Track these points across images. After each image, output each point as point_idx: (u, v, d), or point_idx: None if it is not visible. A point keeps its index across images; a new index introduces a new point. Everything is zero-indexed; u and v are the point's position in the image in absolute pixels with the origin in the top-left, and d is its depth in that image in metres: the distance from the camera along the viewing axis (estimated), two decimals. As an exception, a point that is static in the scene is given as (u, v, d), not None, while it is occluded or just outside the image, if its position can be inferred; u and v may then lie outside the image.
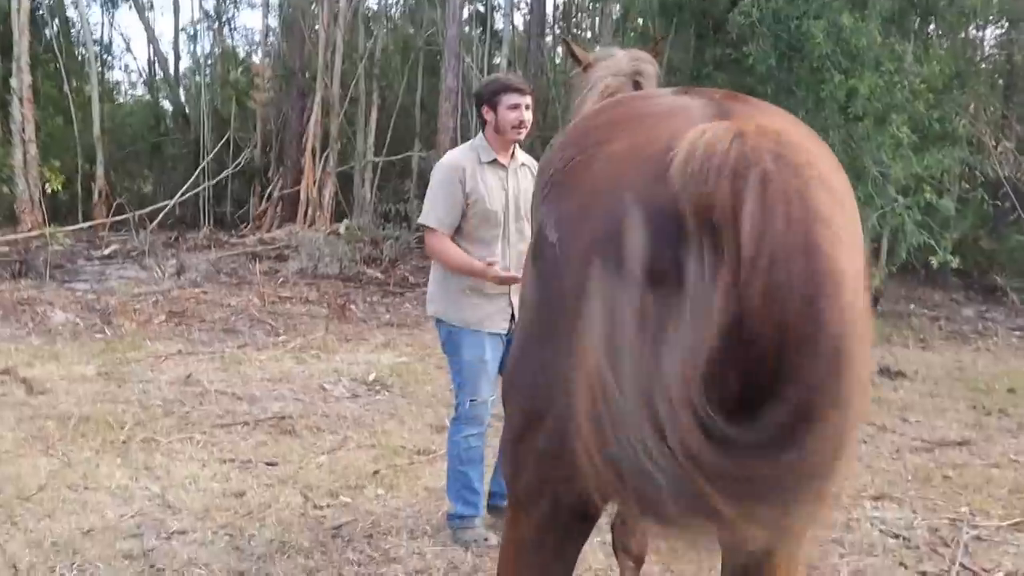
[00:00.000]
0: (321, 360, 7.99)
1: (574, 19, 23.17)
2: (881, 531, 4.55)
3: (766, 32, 11.57)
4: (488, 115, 4.06)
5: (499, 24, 19.56)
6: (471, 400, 4.07)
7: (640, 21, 14.53)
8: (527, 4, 20.32)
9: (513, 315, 4.00)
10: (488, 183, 3.99)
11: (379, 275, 14.19)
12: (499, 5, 19.68)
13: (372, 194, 18.43)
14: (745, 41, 14.10)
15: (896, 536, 4.48)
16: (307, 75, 18.62)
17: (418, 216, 4.33)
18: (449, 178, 4.00)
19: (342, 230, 16.52)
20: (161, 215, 17.37)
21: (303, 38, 18.42)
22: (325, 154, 17.58)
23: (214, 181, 19.28)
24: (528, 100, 4.01)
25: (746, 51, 11.72)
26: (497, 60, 17.92)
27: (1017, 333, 12.18)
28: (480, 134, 4.16)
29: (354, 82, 18.35)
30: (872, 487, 5.13)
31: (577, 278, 1.53)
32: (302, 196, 17.56)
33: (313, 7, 18.70)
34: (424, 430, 6.07)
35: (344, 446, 5.66)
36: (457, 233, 4.04)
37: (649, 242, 1.40)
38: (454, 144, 16.24)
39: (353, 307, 11.38)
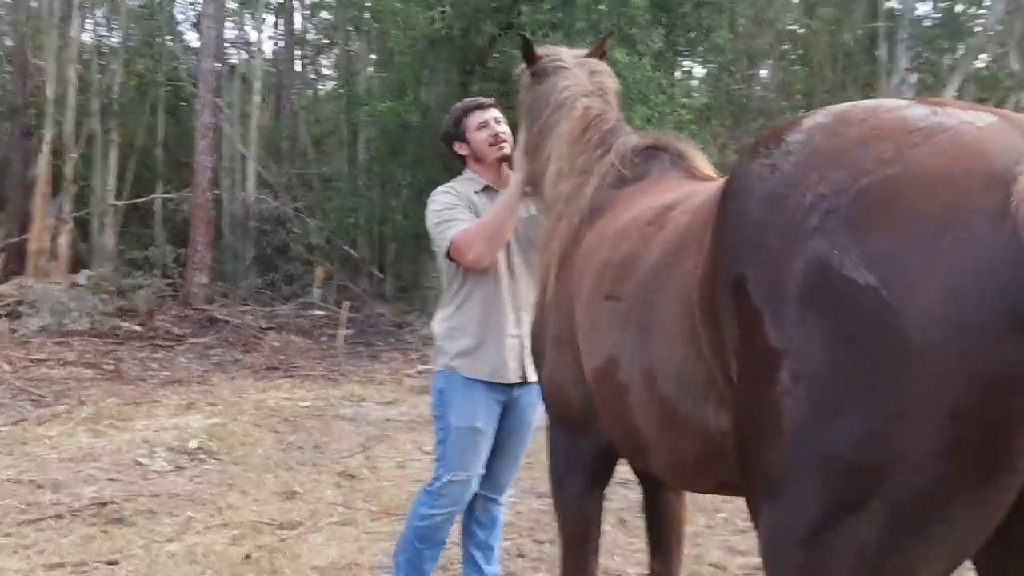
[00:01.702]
0: (120, 430, 6.98)
1: (326, 57, 22.64)
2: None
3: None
4: (462, 149, 3.63)
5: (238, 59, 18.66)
6: (453, 476, 3.52)
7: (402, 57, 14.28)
8: (277, 39, 19.55)
9: (524, 362, 3.49)
10: (484, 210, 3.53)
11: (138, 328, 12.90)
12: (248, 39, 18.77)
13: (114, 241, 16.82)
14: (508, 76, 14.42)
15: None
16: (34, 112, 16.68)
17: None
18: (452, 200, 3.50)
19: (83, 281, 14.91)
20: None
21: (25, 71, 16.50)
22: (58, 198, 15.79)
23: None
24: (495, 113, 3.60)
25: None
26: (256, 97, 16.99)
27: None
28: (463, 173, 3.70)
29: (88, 120, 16.68)
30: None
31: (929, 331, 1.32)
32: (32, 245, 15.64)
33: (38, 38, 16.80)
34: (273, 500, 5.43)
35: (191, 529, 4.90)
36: (451, 277, 3.56)
37: None
38: (213, 184, 15.24)
39: (123, 366, 10.18)
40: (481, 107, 3.60)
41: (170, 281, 16.05)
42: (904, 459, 1.38)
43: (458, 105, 3.70)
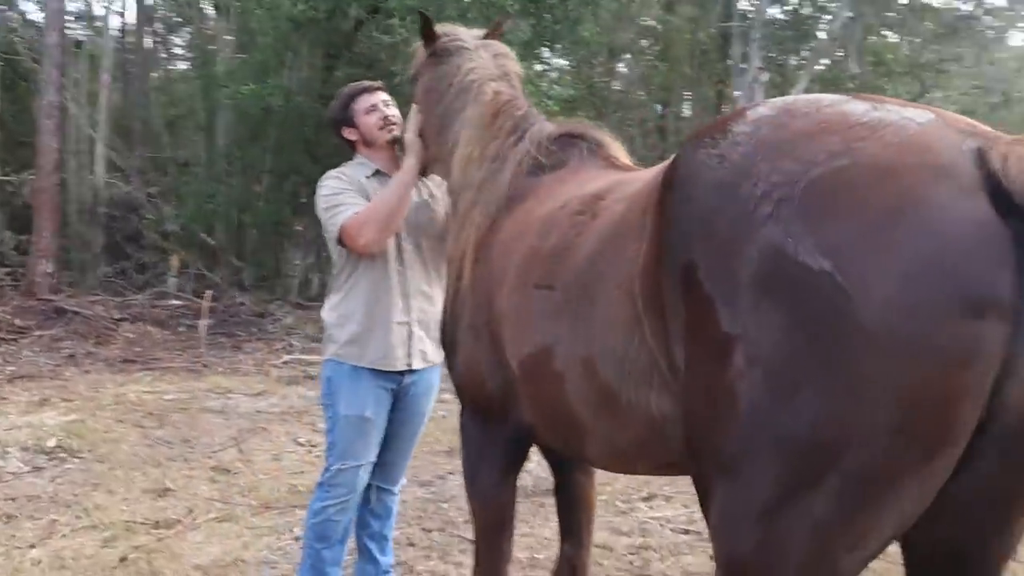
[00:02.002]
0: (-35, 430, 6.48)
1: (179, 35, 21.61)
2: (671, 529, 4.71)
3: (412, 53, 11.65)
4: (351, 134, 3.53)
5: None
6: (343, 464, 3.44)
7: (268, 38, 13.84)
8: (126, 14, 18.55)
9: (412, 349, 3.44)
10: (374, 195, 3.43)
11: (-26, 320, 12.01)
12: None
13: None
14: (376, 61, 14.20)
15: (686, 531, 4.66)
16: None
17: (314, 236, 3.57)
18: (341, 185, 3.40)
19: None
20: None
21: None
22: None
23: None
24: (383, 96, 3.51)
25: (394, 71, 11.69)
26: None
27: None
28: (354, 159, 3.59)
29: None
30: (646, 488, 5.31)
31: (883, 314, 1.38)
32: None
33: None
34: (144, 498, 5.18)
35: (55, 533, 4.62)
36: (341, 265, 3.46)
37: (988, 267, 1.26)
38: (58, 167, 14.33)
39: (-39, 361, 9.48)
40: (368, 90, 3.52)
41: (10, 270, 15.02)
42: (859, 436, 1.45)
43: (344, 90, 3.61)
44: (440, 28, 3.23)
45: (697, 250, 1.65)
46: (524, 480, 4.70)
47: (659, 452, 2.07)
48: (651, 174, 2.07)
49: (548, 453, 2.88)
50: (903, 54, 18.43)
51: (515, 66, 3.16)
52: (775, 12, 18.88)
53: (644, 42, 19.38)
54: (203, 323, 10.87)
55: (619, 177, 2.33)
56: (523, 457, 2.74)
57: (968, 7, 17.63)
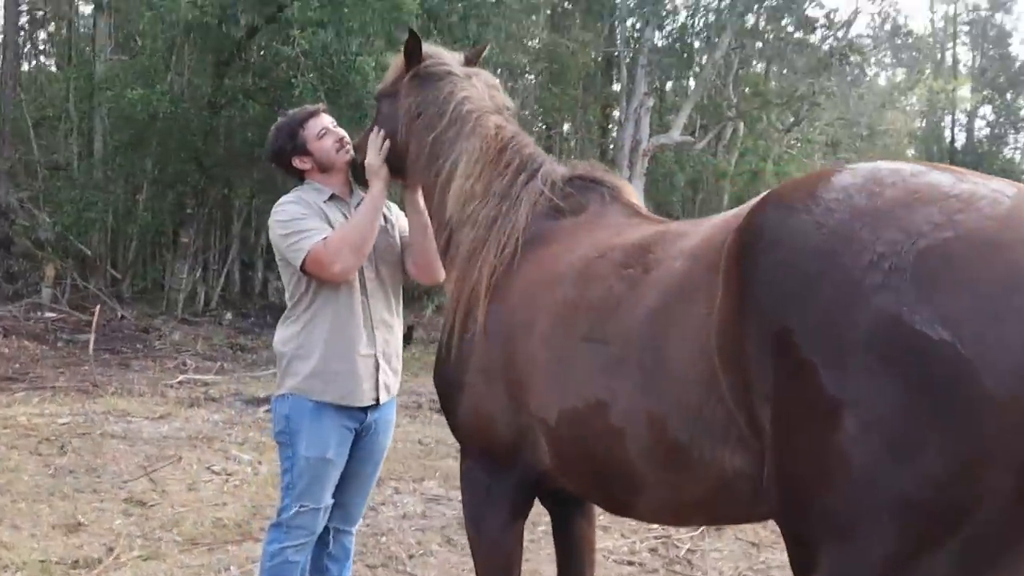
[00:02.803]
0: None
1: (50, 32, 20.50)
2: (615, 560, 4.77)
3: (312, 64, 11.45)
4: (303, 162, 3.35)
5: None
6: (301, 507, 3.27)
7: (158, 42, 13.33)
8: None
9: (379, 382, 3.31)
10: (334, 220, 3.28)
11: None
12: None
13: None
14: (269, 71, 13.88)
15: (630, 563, 4.74)
16: None
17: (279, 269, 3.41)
18: (301, 210, 3.24)
19: None
20: None
21: None
22: None
23: None
24: (329, 117, 3.37)
25: (293, 82, 11.46)
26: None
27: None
28: (304, 185, 3.42)
29: None
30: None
31: (1007, 381, 1.47)
32: None
33: None
34: (55, 535, 4.85)
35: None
36: (299, 294, 3.29)
37: None
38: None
39: None
40: (314, 114, 3.36)
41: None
42: (982, 499, 1.53)
43: (285, 120, 3.42)
44: (427, 49, 3.18)
45: (793, 314, 1.71)
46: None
47: (723, 507, 2.11)
48: (709, 231, 2.11)
49: (547, 496, 2.86)
50: (779, 86, 19.32)
51: (506, 99, 3.15)
52: (659, 40, 19.48)
53: (543, 64, 19.64)
54: (92, 339, 10.31)
55: (660, 229, 2.35)
56: (531, 502, 2.73)
57: (836, 43, 18.61)
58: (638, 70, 18.25)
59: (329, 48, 11.27)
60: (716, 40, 18.12)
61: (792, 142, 20.82)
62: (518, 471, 2.57)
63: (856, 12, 20.00)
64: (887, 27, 22.94)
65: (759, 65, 20.14)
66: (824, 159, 21.11)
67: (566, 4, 20.99)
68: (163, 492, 5.67)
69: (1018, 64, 32.92)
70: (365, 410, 3.32)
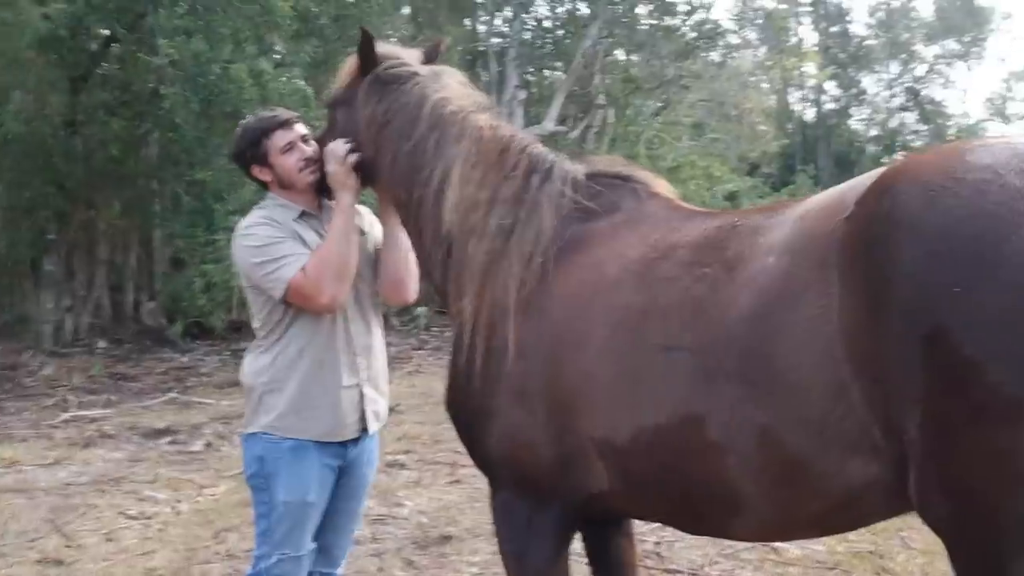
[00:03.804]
0: None
1: None
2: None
3: (183, 74, 10.83)
4: (264, 174, 3.05)
5: None
6: (281, 555, 2.97)
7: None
8: None
9: (366, 411, 3.04)
10: (308, 240, 2.99)
11: None
12: None
13: None
14: (131, 83, 13.10)
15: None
16: None
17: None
18: (274, 233, 2.93)
19: None
20: None
21: None
22: None
23: None
24: (301, 130, 3.05)
25: (163, 93, 10.82)
26: None
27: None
28: (267, 197, 3.11)
29: None
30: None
31: None
32: None
33: None
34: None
35: None
36: (273, 323, 2.98)
37: None
38: None
39: None
40: (284, 125, 3.05)
41: None
42: None
43: (253, 123, 3.11)
44: (382, 50, 2.92)
45: (947, 309, 1.60)
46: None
47: (840, 519, 2.00)
48: (803, 221, 1.95)
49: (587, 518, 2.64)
50: (647, 71, 19.62)
51: (483, 96, 2.93)
52: (528, 33, 19.51)
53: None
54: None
55: (725, 222, 2.17)
56: (576, 529, 2.53)
57: (699, 27, 19.07)
58: (508, 63, 18.22)
59: (200, 57, 10.66)
60: (585, 29, 18.27)
61: (660, 126, 21.18)
62: (563, 498, 2.38)
63: (714, -4, 20.40)
64: (747, 9, 23.74)
65: (627, 53, 20.37)
66: (692, 141, 21.58)
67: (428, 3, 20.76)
68: (80, 547, 5.18)
69: (855, 40, 34.67)
70: (347, 445, 3.06)
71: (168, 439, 7.79)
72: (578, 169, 2.63)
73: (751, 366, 1.92)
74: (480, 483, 6.04)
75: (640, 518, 2.52)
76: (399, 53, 2.98)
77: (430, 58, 3.06)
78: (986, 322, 1.57)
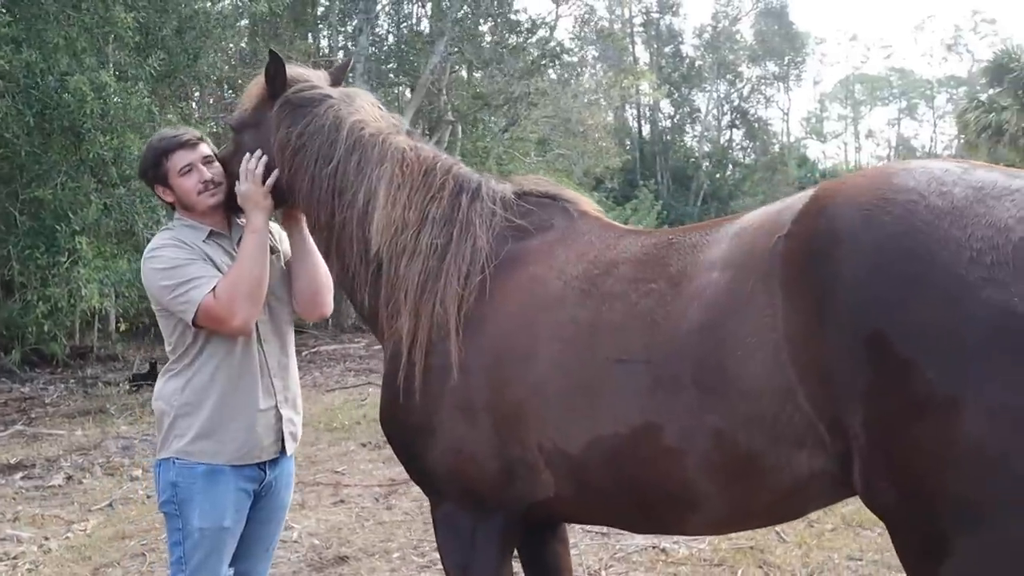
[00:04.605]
0: None
1: None
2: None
3: (15, 86, 10.19)
4: (166, 195, 2.96)
5: None
6: None
7: None
8: None
9: (284, 432, 2.97)
10: (218, 261, 2.90)
11: None
12: None
13: None
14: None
15: None
16: None
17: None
18: (182, 255, 2.84)
19: None
20: None
21: None
22: None
23: None
24: (203, 150, 2.97)
25: (-6, 107, 10.14)
26: None
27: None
28: (175, 218, 3.00)
29: None
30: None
31: None
32: None
33: None
34: None
35: None
36: (185, 345, 2.87)
37: None
38: None
39: None
40: (185, 145, 2.96)
41: None
42: None
43: (155, 141, 3.02)
44: (292, 71, 2.90)
45: (889, 316, 1.75)
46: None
47: (786, 508, 2.14)
48: (741, 238, 2.08)
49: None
50: (493, 88, 19.95)
51: (398, 117, 2.95)
52: (372, 48, 19.46)
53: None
54: None
55: (662, 240, 2.28)
56: (519, 537, 2.57)
57: (544, 46, 19.59)
58: (356, 78, 18.10)
59: (34, 67, 10.07)
60: (430, 45, 18.41)
61: (508, 141, 21.58)
62: (507, 507, 2.42)
63: (557, 17, 21.00)
64: (587, 29, 24.50)
65: (473, 70, 20.64)
66: (539, 157, 22.09)
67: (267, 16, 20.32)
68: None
69: (687, 62, 36.45)
70: (264, 467, 3.00)
71: (21, 474, 7.29)
72: (506, 188, 2.69)
73: (705, 374, 2.03)
74: (366, 503, 6.09)
75: (585, 522, 2.61)
76: (307, 75, 2.96)
77: (336, 79, 3.07)
78: (921, 327, 1.74)
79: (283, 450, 3.03)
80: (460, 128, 20.78)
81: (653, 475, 2.15)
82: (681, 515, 2.22)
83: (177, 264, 2.84)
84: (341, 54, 19.08)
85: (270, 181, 2.87)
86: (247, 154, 2.90)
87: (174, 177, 2.94)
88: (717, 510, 2.15)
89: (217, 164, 3.00)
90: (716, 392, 2.02)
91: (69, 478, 7.12)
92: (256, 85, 2.98)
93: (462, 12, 18.70)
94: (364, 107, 2.85)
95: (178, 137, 3.00)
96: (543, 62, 18.72)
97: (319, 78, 2.98)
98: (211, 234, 2.98)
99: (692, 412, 2.05)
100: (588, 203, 2.67)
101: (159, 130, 3.17)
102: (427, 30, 20.14)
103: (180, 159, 2.93)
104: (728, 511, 2.16)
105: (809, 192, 2.08)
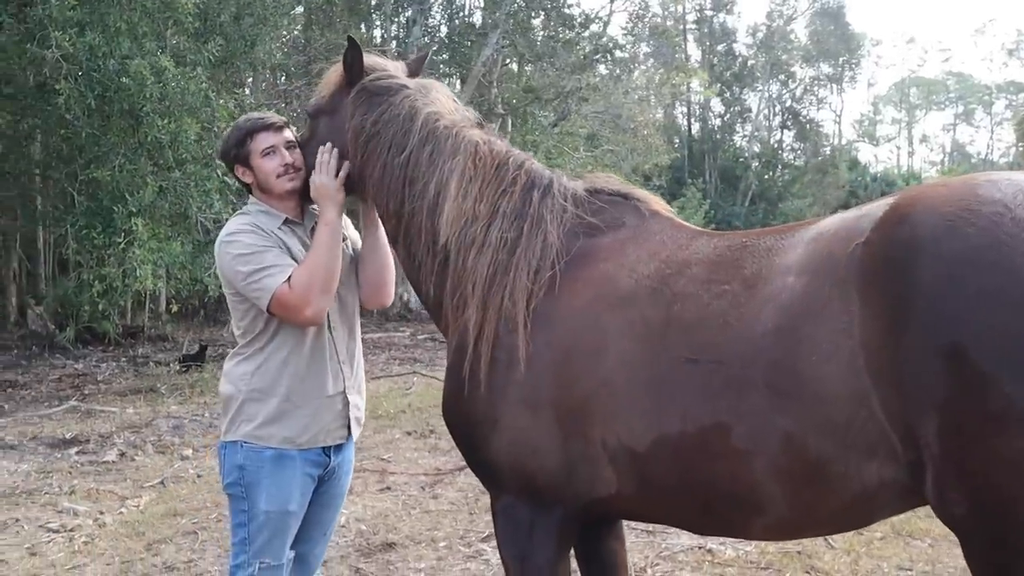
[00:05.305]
0: None
1: None
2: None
3: (78, 68, 10.38)
4: (245, 175, 3.00)
5: None
6: (261, 563, 2.92)
7: None
8: None
9: (350, 417, 3.02)
10: (293, 248, 2.94)
11: None
12: None
13: None
14: (15, 76, 12.45)
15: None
16: None
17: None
18: (259, 241, 2.88)
19: None
20: None
21: None
22: None
23: None
24: (287, 135, 3.01)
25: (58, 88, 10.34)
26: None
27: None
28: (249, 202, 3.05)
29: None
30: (487, 528, 5.22)
31: None
32: None
33: None
34: None
35: None
36: (256, 330, 2.92)
37: None
38: None
39: None
40: (270, 127, 3.01)
41: None
42: None
43: (242, 122, 3.07)
44: (369, 61, 2.92)
45: (968, 328, 1.75)
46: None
47: (853, 517, 2.14)
48: (818, 243, 2.08)
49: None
50: (544, 82, 19.94)
51: (472, 111, 2.97)
52: (425, 39, 19.53)
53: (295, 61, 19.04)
54: None
55: (736, 242, 2.29)
56: (577, 532, 2.58)
57: (597, 41, 19.52)
58: (407, 70, 18.20)
59: (97, 51, 10.25)
60: (484, 37, 18.42)
61: (558, 136, 21.54)
62: (566, 502, 2.43)
63: (611, 12, 20.93)
64: (640, 26, 24.36)
65: (524, 63, 20.64)
66: (588, 152, 22.01)
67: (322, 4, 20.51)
68: (2, 562, 4.93)
69: (739, 61, 36.09)
70: (329, 452, 3.05)
71: (77, 449, 7.47)
72: (578, 185, 2.70)
73: (778, 376, 2.03)
74: (412, 491, 6.14)
75: (644, 520, 2.61)
76: (385, 64, 2.98)
77: (414, 71, 3.09)
78: (1001, 339, 1.73)
79: (348, 435, 3.08)
80: (510, 121, 20.78)
81: (720, 476, 2.14)
82: (747, 518, 2.21)
83: (254, 250, 2.88)
84: (394, 44, 19.21)
85: (342, 174, 2.91)
86: (322, 146, 2.93)
87: (256, 158, 2.98)
88: (782, 514, 2.14)
89: (298, 151, 3.03)
90: (789, 395, 2.01)
91: (122, 454, 7.27)
92: (334, 72, 3.01)
93: (515, 5, 18.71)
94: (440, 99, 2.87)
95: (264, 119, 3.06)
96: (595, 57, 18.67)
97: (396, 68, 3.00)
98: (286, 221, 3.02)
99: (763, 414, 2.04)
100: (659, 202, 2.66)
101: (236, 115, 3.21)
102: (479, 22, 20.14)
103: (264, 140, 2.97)
104: (793, 516, 2.15)
105: (888, 200, 2.06)
